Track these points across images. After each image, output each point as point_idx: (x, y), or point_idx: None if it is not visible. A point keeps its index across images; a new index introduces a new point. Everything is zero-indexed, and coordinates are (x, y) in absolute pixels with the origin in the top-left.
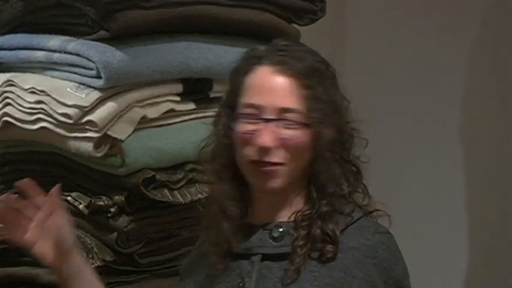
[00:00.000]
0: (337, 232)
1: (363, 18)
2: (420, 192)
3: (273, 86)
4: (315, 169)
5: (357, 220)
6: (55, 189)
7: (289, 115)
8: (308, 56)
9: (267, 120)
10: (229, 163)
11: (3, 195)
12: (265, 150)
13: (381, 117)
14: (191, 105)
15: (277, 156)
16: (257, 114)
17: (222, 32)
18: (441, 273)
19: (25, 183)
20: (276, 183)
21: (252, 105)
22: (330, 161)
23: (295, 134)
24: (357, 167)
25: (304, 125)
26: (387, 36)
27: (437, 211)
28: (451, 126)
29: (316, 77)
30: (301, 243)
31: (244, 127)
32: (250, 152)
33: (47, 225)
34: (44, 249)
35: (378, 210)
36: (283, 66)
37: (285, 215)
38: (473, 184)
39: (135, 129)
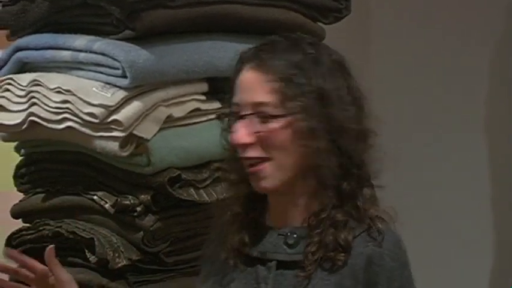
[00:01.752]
0: (350, 240)
1: (387, 16)
2: (444, 191)
3: (248, 83)
4: (308, 163)
5: (370, 227)
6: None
7: (262, 109)
8: (290, 49)
9: (242, 117)
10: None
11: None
12: (242, 146)
13: (404, 114)
14: (216, 104)
15: (256, 152)
16: (238, 113)
17: (247, 30)
18: (465, 273)
19: (12, 253)
20: (267, 182)
21: (236, 104)
22: (320, 153)
23: (269, 127)
24: (361, 160)
25: (279, 117)
26: (412, 34)
27: (460, 210)
28: (474, 125)
29: (295, 69)
30: (313, 249)
31: (231, 127)
32: (239, 152)
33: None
34: None
35: (383, 212)
36: (259, 62)
37: (298, 219)
38: (497, 183)
39: (161, 129)
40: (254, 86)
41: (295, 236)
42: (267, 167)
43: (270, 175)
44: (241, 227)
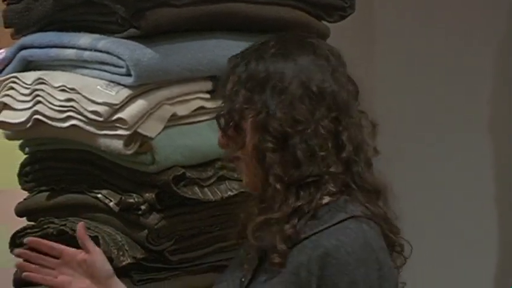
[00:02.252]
0: (284, 247)
1: (391, 15)
2: (446, 191)
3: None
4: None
5: (340, 221)
6: (80, 228)
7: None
8: (253, 53)
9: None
10: None
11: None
12: (222, 148)
13: (408, 113)
14: (221, 103)
15: (230, 151)
16: None
17: (251, 29)
18: (468, 272)
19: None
20: (244, 179)
21: None
22: (267, 153)
23: (229, 129)
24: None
25: (230, 119)
26: (415, 33)
27: (463, 210)
28: (477, 124)
29: (230, 75)
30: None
31: None
32: None
33: (78, 263)
34: (81, 285)
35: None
36: (229, 65)
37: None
38: (500, 183)
39: (165, 127)
40: (225, 89)
41: None
42: (238, 165)
43: (243, 173)
44: None
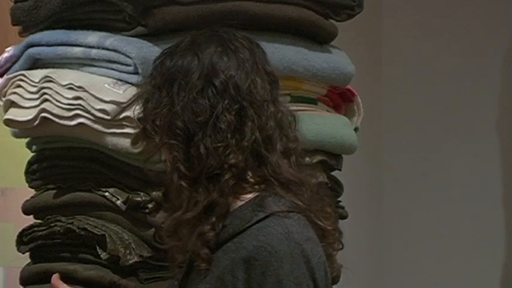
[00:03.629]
0: (207, 251)
1: (399, 14)
2: (455, 190)
3: None
4: None
5: (258, 221)
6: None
7: None
8: (168, 50)
9: None
10: None
11: None
12: None
13: (416, 114)
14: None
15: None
16: None
17: (259, 28)
18: (477, 271)
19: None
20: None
21: None
22: (170, 152)
23: None
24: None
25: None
26: (423, 32)
27: (472, 209)
28: (487, 124)
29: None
30: None
31: None
32: None
33: None
34: None
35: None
36: None
37: None
38: (508, 182)
39: None
40: None
41: None
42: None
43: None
44: None
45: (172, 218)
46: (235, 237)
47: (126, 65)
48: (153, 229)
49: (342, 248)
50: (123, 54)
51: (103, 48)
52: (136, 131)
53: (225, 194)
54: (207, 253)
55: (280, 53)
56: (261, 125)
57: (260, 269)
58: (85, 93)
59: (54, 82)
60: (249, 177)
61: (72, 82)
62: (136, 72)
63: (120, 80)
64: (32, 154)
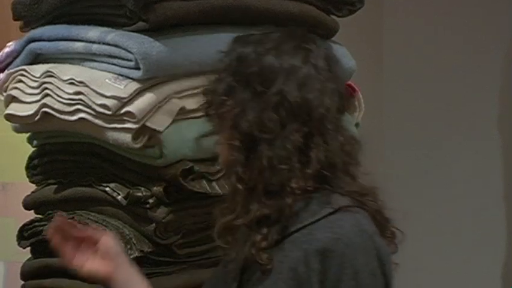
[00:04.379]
0: (266, 255)
1: (401, 9)
2: (456, 188)
3: None
4: None
5: (328, 214)
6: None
7: None
8: (235, 53)
9: None
10: None
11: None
12: None
13: (417, 111)
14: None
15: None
16: None
17: (260, 23)
18: (480, 269)
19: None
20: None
21: None
22: (231, 151)
23: None
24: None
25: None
26: (425, 28)
27: (473, 208)
28: (488, 121)
29: (228, 53)
30: None
31: None
32: None
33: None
34: (92, 266)
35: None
36: None
37: None
38: (510, 180)
39: (174, 121)
40: None
41: None
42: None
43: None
44: None
45: (224, 221)
46: (303, 229)
47: (127, 60)
48: (154, 224)
49: (396, 251)
50: (124, 49)
51: (104, 43)
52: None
53: (283, 214)
54: (267, 257)
55: None
56: (327, 154)
57: (337, 261)
58: (86, 88)
59: (55, 77)
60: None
61: (73, 77)
62: (137, 68)
63: (121, 75)
64: (33, 149)
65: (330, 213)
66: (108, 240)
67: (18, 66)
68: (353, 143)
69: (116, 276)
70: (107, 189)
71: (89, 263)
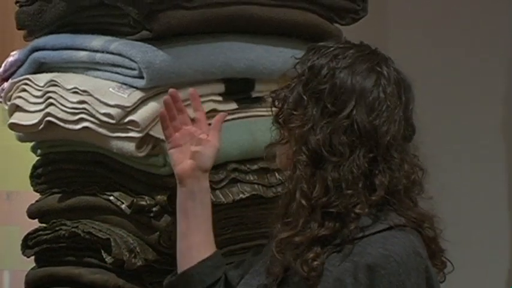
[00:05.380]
0: (314, 273)
1: (404, 18)
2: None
3: None
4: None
5: (383, 230)
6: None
7: None
8: (316, 60)
9: None
10: None
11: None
12: None
13: (422, 117)
14: (233, 105)
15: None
16: None
17: (264, 31)
18: (483, 272)
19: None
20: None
21: None
22: (297, 165)
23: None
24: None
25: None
26: (428, 36)
27: (478, 210)
28: (493, 124)
29: (302, 61)
30: None
31: None
32: None
33: (196, 140)
34: (181, 156)
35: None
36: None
37: None
38: None
39: None
40: None
41: None
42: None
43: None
44: None
45: (284, 237)
46: (357, 240)
47: (131, 69)
48: (158, 233)
49: (442, 281)
50: (127, 58)
51: (108, 52)
52: (139, 135)
53: (343, 237)
54: (315, 274)
55: (285, 57)
56: (391, 180)
57: (387, 278)
58: (90, 97)
59: (59, 86)
60: None
61: (77, 86)
62: (141, 77)
63: (125, 84)
64: (37, 158)
65: (384, 229)
66: (213, 148)
67: (22, 75)
68: (417, 171)
69: (190, 186)
70: (111, 198)
71: (181, 152)
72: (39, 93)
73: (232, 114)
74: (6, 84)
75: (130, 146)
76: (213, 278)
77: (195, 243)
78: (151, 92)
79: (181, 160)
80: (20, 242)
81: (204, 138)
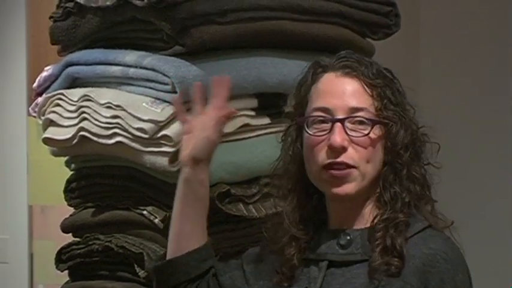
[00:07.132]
0: (403, 247)
1: (436, 33)
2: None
3: (342, 88)
4: (388, 173)
5: (422, 229)
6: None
7: (360, 114)
8: (373, 62)
9: (338, 121)
10: (298, 176)
11: None
12: (336, 150)
13: (450, 128)
14: (266, 120)
15: (348, 157)
16: (327, 117)
17: (296, 46)
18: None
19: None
20: (349, 188)
21: (321, 109)
22: (404, 166)
23: (365, 133)
24: (424, 174)
25: (377, 123)
26: (460, 50)
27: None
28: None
29: (383, 80)
30: (378, 251)
31: (314, 130)
32: (321, 157)
33: (203, 124)
34: (187, 143)
35: (440, 219)
36: (349, 70)
37: (356, 223)
38: None
39: None
40: (350, 92)
41: (348, 237)
42: (353, 173)
43: (353, 181)
44: (302, 232)
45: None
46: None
47: (164, 84)
48: None
49: None
50: (160, 73)
51: (141, 67)
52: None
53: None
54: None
55: None
56: (405, 188)
57: (438, 276)
58: (123, 112)
59: (92, 101)
60: None
61: (111, 101)
62: (174, 91)
63: (158, 99)
64: (71, 172)
65: (422, 229)
66: (206, 139)
67: (56, 90)
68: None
69: (186, 171)
70: (144, 212)
71: (188, 136)
72: (72, 108)
73: (265, 128)
74: (40, 99)
75: (163, 161)
76: (199, 271)
77: (185, 232)
78: (184, 107)
79: (185, 147)
80: (54, 256)
81: (205, 129)
